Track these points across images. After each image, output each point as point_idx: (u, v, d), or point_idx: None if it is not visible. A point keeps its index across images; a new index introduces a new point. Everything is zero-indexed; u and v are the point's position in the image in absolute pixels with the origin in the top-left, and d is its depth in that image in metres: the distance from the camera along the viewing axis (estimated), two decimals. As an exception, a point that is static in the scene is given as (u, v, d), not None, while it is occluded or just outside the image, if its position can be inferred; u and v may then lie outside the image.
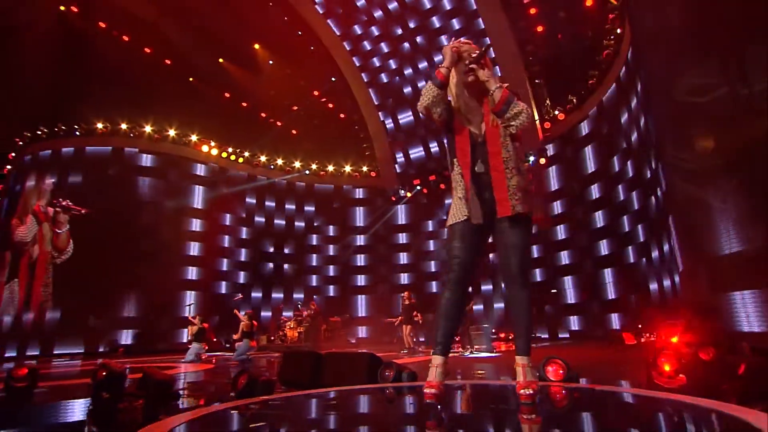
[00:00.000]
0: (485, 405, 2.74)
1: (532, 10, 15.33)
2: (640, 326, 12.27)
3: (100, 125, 16.08)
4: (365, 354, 4.44)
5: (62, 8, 15.05)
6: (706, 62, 8.26)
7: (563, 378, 3.29)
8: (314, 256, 20.62)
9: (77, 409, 3.87)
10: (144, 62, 16.70)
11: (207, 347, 11.43)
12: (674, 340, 9.03)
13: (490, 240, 2.65)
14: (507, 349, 11.61)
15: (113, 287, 15.38)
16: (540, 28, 15.63)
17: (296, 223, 20.49)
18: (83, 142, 16.12)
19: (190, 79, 17.54)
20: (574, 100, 15.69)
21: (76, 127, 16.01)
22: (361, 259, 20.80)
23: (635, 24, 11.26)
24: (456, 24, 17.70)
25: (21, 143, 16.83)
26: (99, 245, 14.95)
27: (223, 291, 17.73)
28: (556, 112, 16.51)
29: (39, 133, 16.18)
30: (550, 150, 16.96)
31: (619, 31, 13.05)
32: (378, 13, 18.42)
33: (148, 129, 16.50)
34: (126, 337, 15.39)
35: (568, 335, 15.50)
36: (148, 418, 3.11)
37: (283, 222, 20.22)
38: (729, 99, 7.93)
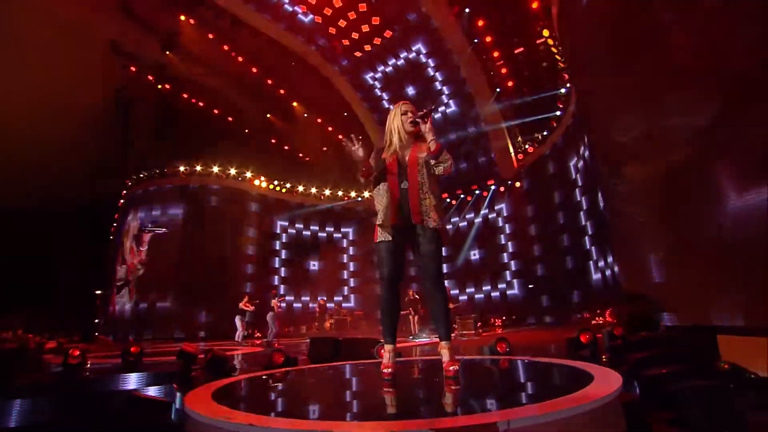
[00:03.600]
0: (426, 377, 2.88)
1: (503, 70, 16.37)
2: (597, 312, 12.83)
3: (182, 168, 17.56)
4: (371, 339, 4.95)
5: (160, 86, 16.90)
6: (630, 111, 9.12)
7: (505, 352, 4.13)
8: (341, 262, 21.49)
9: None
10: (213, 120, 18.27)
11: (245, 318, 12.36)
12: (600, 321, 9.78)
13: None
14: (489, 333, 12.32)
15: (195, 287, 16.60)
16: (510, 83, 16.63)
17: (320, 234, 21.30)
18: (168, 181, 17.68)
19: (246, 130, 19.02)
20: (540, 137, 16.64)
21: (165, 170, 17.58)
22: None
23: (574, 80, 12.22)
24: (442, 76, 18.55)
25: (129, 183, 18.51)
26: (184, 255, 16.51)
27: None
28: (527, 146, 17.40)
29: (141, 175, 17.84)
30: (524, 175, 17.78)
31: (568, 85, 13.95)
32: (386, 70, 19.60)
33: (215, 169, 17.90)
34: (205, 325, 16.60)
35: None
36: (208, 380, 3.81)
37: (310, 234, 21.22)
38: (645, 139, 8.78)
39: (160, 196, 17.73)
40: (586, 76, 10.80)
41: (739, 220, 5.47)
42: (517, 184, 17.78)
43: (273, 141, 20.02)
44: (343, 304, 18.17)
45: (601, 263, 12.63)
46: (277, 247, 19.84)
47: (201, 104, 17.87)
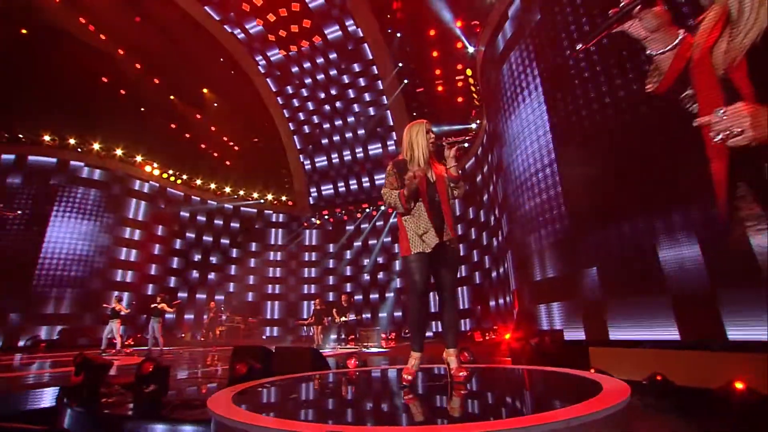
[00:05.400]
0: (442, 383, 2.79)
1: (422, 98, 17.20)
2: (484, 328, 13.94)
3: (47, 137, 13.85)
4: (310, 349, 4.57)
5: (24, 31, 13.09)
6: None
7: (468, 360, 4.19)
8: (233, 266, 19.65)
9: (49, 394, 3.66)
10: (99, 89, 14.99)
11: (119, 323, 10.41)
12: (507, 336, 10.62)
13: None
14: (394, 346, 12.34)
15: (41, 286, 13.25)
16: (426, 110, 17.52)
17: (222, 240, 19.46)
18: (27, 150, 13.71)
19: (142, 109, 16.18)
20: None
21: (20, 136, 13.57)
22: (275, 272, 20.41)
23: (488, 118, 13.33)
24: (367, 97, 18.93)
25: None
26: (33, 247, 12.99)
27: (150, 293, 15.89)
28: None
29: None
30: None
31: (478, 121, 15.17)
32: (307, 80, 19.03)
33: (96, 146, 14.64)
34: (50, 333, 13.23)
35: (432, 335, 16.80)
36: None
37: (211, 237, 19.12)
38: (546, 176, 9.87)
39: (7, 168, 13.63)
40: (494, 116, 11.83)
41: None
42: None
43: (173, 126, 17.53)
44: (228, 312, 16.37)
45: (495, 285, 13.74)
46: (164, 244, 17.19)
47: (84, 67, 14.58)
